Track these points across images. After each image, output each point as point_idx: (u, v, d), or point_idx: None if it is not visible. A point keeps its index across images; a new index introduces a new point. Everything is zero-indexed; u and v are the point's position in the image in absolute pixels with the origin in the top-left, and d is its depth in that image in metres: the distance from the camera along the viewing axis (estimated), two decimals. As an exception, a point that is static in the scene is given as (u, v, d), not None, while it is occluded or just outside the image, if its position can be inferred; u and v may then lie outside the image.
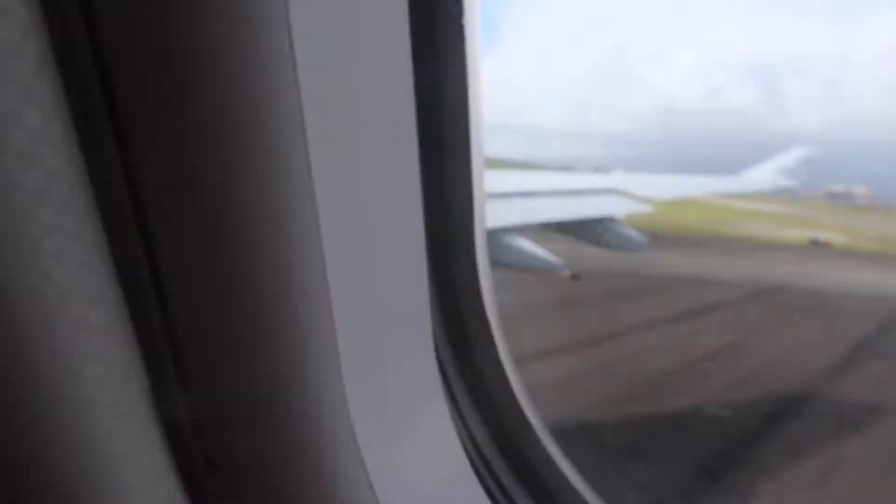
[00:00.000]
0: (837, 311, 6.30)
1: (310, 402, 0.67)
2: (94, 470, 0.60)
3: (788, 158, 8.14)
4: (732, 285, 6.86)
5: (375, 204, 0.72)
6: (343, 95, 0.65)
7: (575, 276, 5.38)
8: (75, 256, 0.56)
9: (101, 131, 0.58)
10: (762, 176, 7.76)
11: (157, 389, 0.65)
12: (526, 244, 4.95)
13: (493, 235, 4.77)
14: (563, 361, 4.98)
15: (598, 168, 7.35)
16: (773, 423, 4.56)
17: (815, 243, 8.05)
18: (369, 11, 0.67)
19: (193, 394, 0.69)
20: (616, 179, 6.26)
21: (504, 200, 5.25)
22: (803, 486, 3.96)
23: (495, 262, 5.04)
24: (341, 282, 0.65)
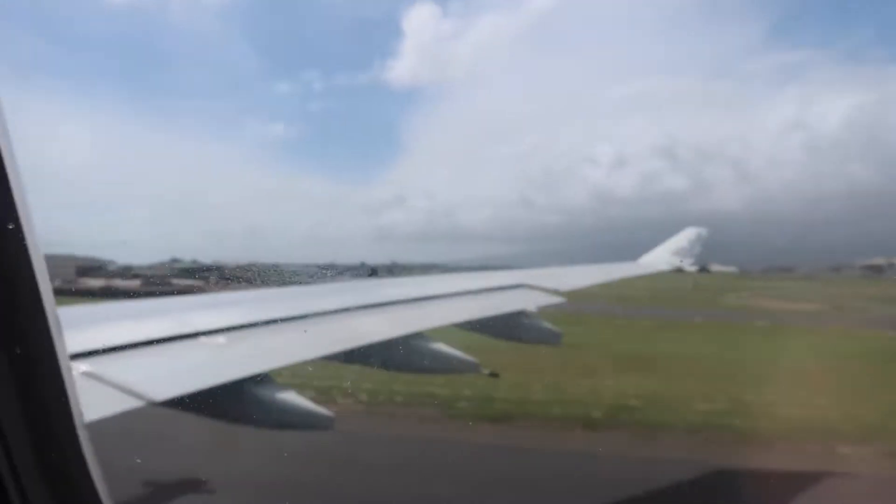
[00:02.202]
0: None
1: None
2: None
3: (681, 239, 8.83)
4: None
5: None
6: None
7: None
8: None
9: None
10: (660, 257, 8.36)
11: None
12: (443, 347, 5.04)
13: (410, 341, 4.84)
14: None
15: (520, 265, 7.67)
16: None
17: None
18: None
19: None
20: (529, 275, 6.57)
21: (419, 305, 5.38)
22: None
23: (414, 369, 5.08)
24: None
